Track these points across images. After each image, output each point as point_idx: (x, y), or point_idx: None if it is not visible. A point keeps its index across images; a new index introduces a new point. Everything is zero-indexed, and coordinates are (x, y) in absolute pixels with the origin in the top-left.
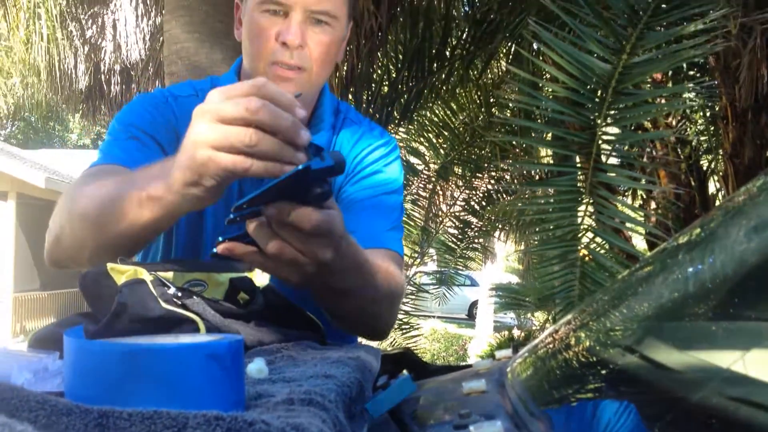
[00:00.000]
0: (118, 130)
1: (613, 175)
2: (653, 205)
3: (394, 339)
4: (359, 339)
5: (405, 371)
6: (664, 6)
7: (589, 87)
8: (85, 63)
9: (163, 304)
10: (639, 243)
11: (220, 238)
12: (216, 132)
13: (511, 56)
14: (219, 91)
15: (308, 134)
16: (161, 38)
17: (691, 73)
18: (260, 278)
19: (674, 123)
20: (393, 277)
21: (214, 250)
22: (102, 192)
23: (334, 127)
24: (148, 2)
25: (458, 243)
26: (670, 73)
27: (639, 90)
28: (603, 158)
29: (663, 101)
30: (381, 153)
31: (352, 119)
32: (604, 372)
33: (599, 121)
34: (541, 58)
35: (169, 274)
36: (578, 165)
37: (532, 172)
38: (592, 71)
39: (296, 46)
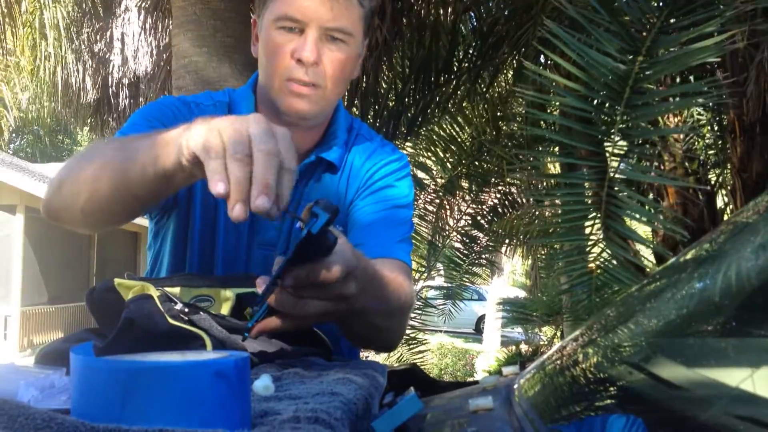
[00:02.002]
0: (139, 120)
1: (625, 193)
2: (661, 218)
3: (401, 354)
4: (365, 353)
5: (411, 388)
6: (675, 13)
7: (603, 92)
8: (93, 77)
9: (170, 320)
10: (647, 256)
11: (249, 324)
12: (235, 136)
13: (517, 69)
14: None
15: (274, 210)
16: (169, 52)
17: (706, 89)
18: None
19: (682, 137)
20: (403, 288)
21: (246, 335)
22: (113, 143)
23: (346, 143)
24: (156, 16)
25: (464, 258)
26: (678, 80)
27: (654, 90)
28: (612, 168)
29: (673, 107)
30: (392, 168)
31: (365, 136)
32: (611, 389)
33: (612, 128)
34: (548, 70)
35: (176, 290)
36: (586, 177)
37: (540, 186)
38: (610, 71)
39: (311, 63)
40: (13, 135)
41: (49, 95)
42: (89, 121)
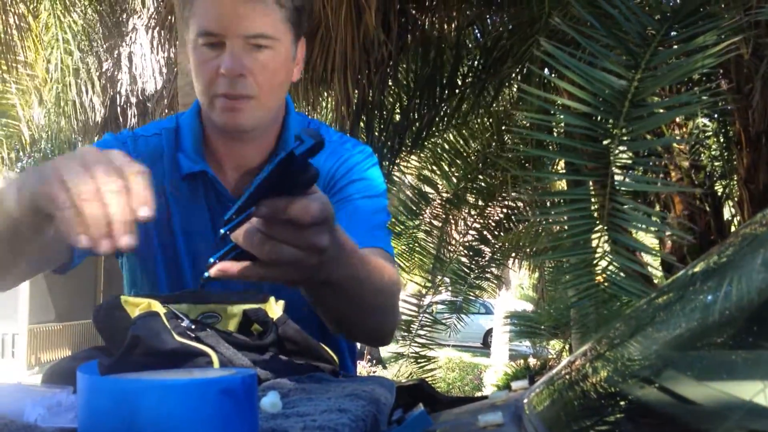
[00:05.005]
0: None
1: (630, 206)
2: (668, 232)
3: (411, 372)
4: (373, 369)
5: (421, 404)
6: (676, 26)
7: (603, 108)
8: (101, 95)
9: (177, 337)
10: (655, 266)
11: (211, 259)
12: (75, 175)
13: (521, 84)
14: (102, 153)
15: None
16: (176, 69)
17: (705, 98)
18: (273, 310)
19: (688, 149)
20: (385, 268)
21: (206, 274)
22: None
23: None
24: (163, 35)
25: (470, 272)
26: (683, 90)
27: (654, 102)
28: (618, 179)
29: (673, 116)
30: (354, 162)
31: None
32: (622, 404)
33: (614, 143)
34: (552, 84)
35: (183, 307)
36: (592, 191)
37: (546, 201)
38: (609, 87)
39: (236, 76)
40: (21, 153)
41: (57, 113)
42: (96, 138)
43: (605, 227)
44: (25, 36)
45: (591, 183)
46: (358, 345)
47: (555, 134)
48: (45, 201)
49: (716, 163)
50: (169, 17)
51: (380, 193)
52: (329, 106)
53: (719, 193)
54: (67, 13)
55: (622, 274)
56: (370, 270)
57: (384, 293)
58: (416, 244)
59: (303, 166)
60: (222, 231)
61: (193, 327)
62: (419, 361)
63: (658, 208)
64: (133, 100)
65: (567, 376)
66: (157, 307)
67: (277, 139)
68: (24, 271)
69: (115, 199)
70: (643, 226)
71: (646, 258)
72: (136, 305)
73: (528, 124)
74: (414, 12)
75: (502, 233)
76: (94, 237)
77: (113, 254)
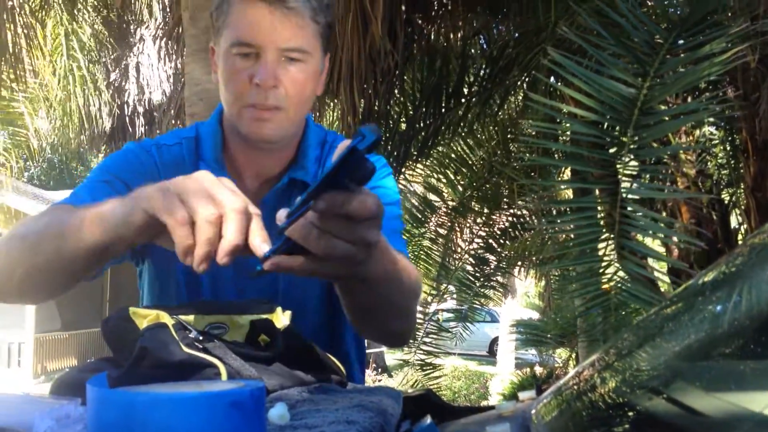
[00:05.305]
0: (95, 174)
1: (640, 214)
2: (675, 239)
3: (417, 380)
4: (378, 378)
5: (428, 416)
6: (684, 34)
7: (611, 115)
8: (109, 105)
9: (185, 349)
10: (662, 272)
11: (266, 253)
12: (198, 195)
13: (527, 92)
14: (227, 182)
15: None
16: (182, 80)
17: (712, 105)
18: (281, 320)
19: (695, 157)
20: (411, 271)
21: (259, 267)
22: (46, 217)
23: (319, 159)
24: (170, 45)
25: (475, 280)
26: (689, 99)
27: (662, 109)
28: (625, 186)
29: (681, 124)
30: None
31: None
32: (631, 414)
33: (622, 150)
34: (558, 93)
35: (191, 318)
36: (598, 200)
37: (552, 209)
38: (617, 94)
39: (270, 87)
40: (27, 163)
41: (65, 123)
42: (103, 148)
43: (614, 234)
44: (34, 46)
45: (597, 191)
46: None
47: (561, 143)
48: (164, 214)
49: (723, 172)
50: (177, 28)
51: (395, 201)
52: (335, 115)
53: (726, 202)
54: (75, 23)
55: (630, 280)
56: (399, 269)
57: (409, 294)
58: (422, 252)
59: (362, 161)
60: (281, 226)
61: (200, 338)
62: (424, 368)
63: (665, 215)
64: (141, 110)
65: (575, 387)
66: (165, 318)
67: (297, 150)
68: (73, 286)
69: (232, 226)
70: (653, 232)
71: (652, 265)
72: (144, 316)
73: (534, 133)
74: (420, 22)
75: (507, 242)
76: (199, 256)
77: (134, 262)
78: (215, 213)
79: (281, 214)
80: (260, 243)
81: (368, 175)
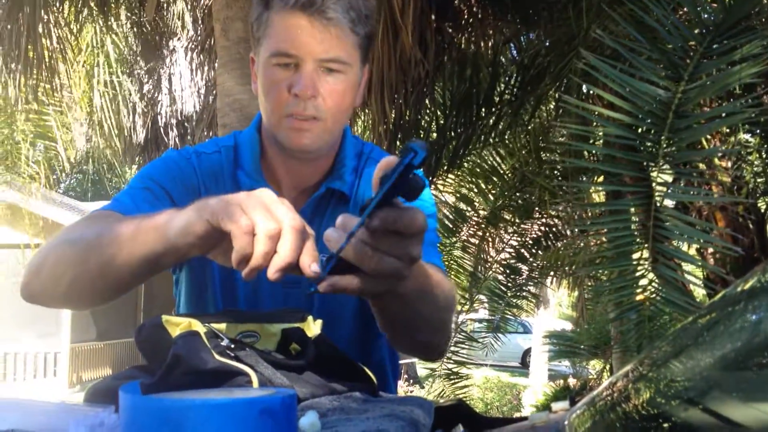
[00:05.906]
0: (136, 181)
1: (676, 224)
2: (711, 246)
3: (444, 389)
4: (410, 388)
5: (460, 425)
6: (718, 39)
7: (647, 119)
8: (142, 117)
9: (217, 356)
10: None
11: (322, 275)
12: (260, 210)
13: (559, 100)
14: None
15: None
16: (215, 91)
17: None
18: (312, 329)
19: (730, 164)
20: (445, 282)
21: (312, 288)
22: (96, 225)
23: (356, 170)
24: (203, 56)
25: (507, 290)
26: (723, 104)
27: (697, 113)
28: (660, 190)
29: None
30: None
31: (375, 158)
32: (666, 426)
33: (658, 153)
34: (592, 96)
35: (222, 326)
36: (632, 203)
37: (584, 215)
38: (653, 98)
39: (309, 97)
40: (63, 175)
41: (100, 135)
42: (138, 159)
43: (648, 239)
44: (67, 59)
45: (630, 196)
46: None
47: (596, 149)
48: (229, 223)
49: (759, 180)
50: (209, 39)
51: (432, 213)
52: (366, 125)
53: (762, 210)
54: (108, 35)
55: (665, 287)
56: (433, 284)
57: (443, 307)
58: (453, 262)
59: (413, 178)
60: (340, 246)
61: (232, 346)
62: (451, 377)
63: (698, 228)
64: (173, 121)
65: (609, 398)
66: (198, 326)
67: (334, 160)
68: (118, 295)
69: (288, 243)
70: (689, 237)
71: (688, 273)
72: (177, 324)
73: (565, 139)
74: (450, 30)
75: (539, 251)
76: (253, 267)
77: (171, 269)
78: (276, 228)
79: (331, 235)
80: (310, 263)
81: (419, 191)
